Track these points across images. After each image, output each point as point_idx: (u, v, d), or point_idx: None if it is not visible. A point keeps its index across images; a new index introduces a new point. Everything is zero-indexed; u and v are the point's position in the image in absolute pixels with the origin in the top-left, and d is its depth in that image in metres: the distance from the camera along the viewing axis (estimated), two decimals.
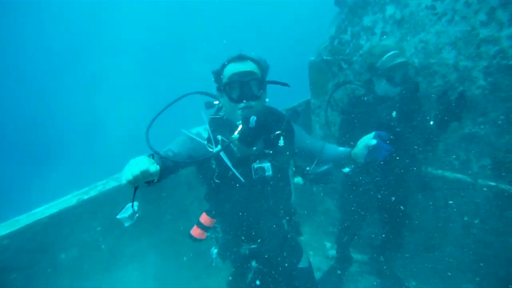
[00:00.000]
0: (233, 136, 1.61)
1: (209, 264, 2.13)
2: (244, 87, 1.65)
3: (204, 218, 1.97)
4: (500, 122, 2.34)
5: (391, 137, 1.69)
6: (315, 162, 1.94)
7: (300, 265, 2.05)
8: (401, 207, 2.58)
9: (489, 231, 2.52)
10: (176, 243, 2.73)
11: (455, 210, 2.68)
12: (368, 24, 2.90)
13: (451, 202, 2.68)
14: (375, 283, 2.95)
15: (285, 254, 2.01)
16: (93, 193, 2.26)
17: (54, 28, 19.25)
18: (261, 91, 1.70)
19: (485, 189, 2.47)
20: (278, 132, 1.79)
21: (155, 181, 1.35)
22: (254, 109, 1.67)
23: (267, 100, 1.81)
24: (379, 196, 2.53)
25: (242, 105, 1.66)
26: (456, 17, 2.37)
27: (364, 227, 2.98)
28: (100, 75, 17.77)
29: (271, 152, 1.78)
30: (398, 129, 2.18)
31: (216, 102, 1.93)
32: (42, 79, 18.08)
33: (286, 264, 1.99)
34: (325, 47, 3.25)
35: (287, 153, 1.87)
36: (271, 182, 1.81)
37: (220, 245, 2.09)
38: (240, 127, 1.61)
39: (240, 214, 1.86)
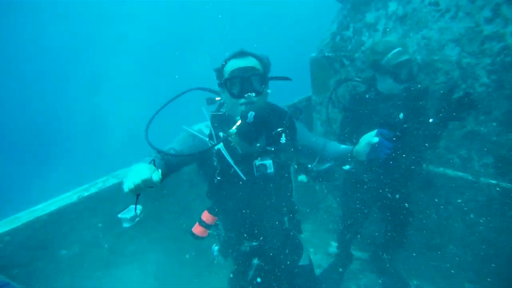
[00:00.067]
0: (230, 130, 1.60)
1: (211, 261, 2.13)
2: (245, 83, 1.64)
3: (206, 216, 1.97)
4: (503, 120, 2.33)
5: (397, 133, 1.67)
6: (317, 159, 1.93)
7: (301, 262, 2.05)
8: (406, 204, 2.57)
9: (492, 229, 2.51)
10: (177, 240, 2.72)
11: (457, 208, 2.67)
12: (370, 20, 2.88)
13: (459, 201, 2.66)
14: (377, 281, 2.95)
15: (287, 251, 2.00)
16: (93, 190, 2.25)
17: (56, 27, 19.21)
18: (263, 87, 1.69)
19: (487, 187, 2.46)
20: (280, 129, 1.78)
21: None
22: (255, 105, 1.66)
23: (269, 91, 1.80)
24: (388, 194, 2.51)
25: (242, 100, 1.66)
26: (459, 14, 2.35)
27: (366, 225, 2.97)
28: (101, 74, 17.77)
29: (273, 149, 1.77)
30: (406, 125, 2.17)
31: (218, 98, 1.92)
32: (43, 78, 18.07)
33: (288, 262, 1.99)
34: (327, 43, 3.23)
35: (289, 150, 1.86)
36: (273, 179, 1.80)
37: (221, 242, 2.09)
38: (238, 122, 1.61)
39: (242, 211, 1.85)
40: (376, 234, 3.08)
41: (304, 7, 21.29)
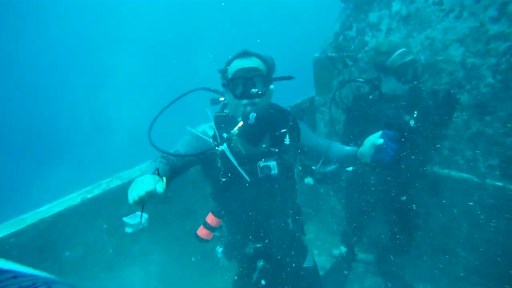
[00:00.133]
0: (232, 131, 1.60)
1: (215, 263, 2.13)
2: (248, 83, 1.63)
3: (210, 219, 1.98)
4: (509, 120, 2.31)
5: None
6: (321, 161, 1.92)
7: (305, 264, 2.05)
8: (413, 205, 2.56)
9: (498, 232, 2.49)
10: (181, 242, 2.72)
11: (462, 210, 2.65)
12: (373, 20, 2.87)
13: (465, 203, 2.64)
14: (382, 284, 2.93)
15: (292, 253, 2.00)
16: (97, 191, 2.25)
17: (60, 26, 19.25)
18: (266, 88, 1.68)
19: (493, 189, 2.44)
20: (283, 130, 1.78)
21: None
22: (258, 106, 1.65)
23: (272, 87, 1.78)
24: (393, 196, 2.50)
25: (245, 101, 1.65)
26: (464, 13, 2.33)
27: (372, 227, 2.96)
28: (105, 73, 17.80)
29: (277, 150, 1.77)
30: (418, 124, 2.16)
31: (222, 99, 1.92)
32: (47, 77, 18.13)
33: (293, 264, 1.98)
34: (330, 43, 3.21)
35: (293, 151, 1.85)
36: (277, 181, 1.80)
37: (225, 244, 2.09)
38: (240, 123, 1.61)
39: (247, 213, 1.85)
40: (383, 236, 3.06)
41: (307, 6, 21.27)
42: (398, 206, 2.53)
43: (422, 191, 2.74)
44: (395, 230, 2.70)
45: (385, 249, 2.91)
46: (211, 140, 1.76)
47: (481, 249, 2.62)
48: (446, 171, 2.67)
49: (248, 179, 1.71)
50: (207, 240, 2.02)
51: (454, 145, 2.62)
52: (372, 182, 2.53)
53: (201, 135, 1.78)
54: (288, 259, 1.98)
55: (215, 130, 1.75)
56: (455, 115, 2.23)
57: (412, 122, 2.20)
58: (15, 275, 0.78)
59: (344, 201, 2.89)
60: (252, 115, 1.59)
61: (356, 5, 2.96)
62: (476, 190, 2.53)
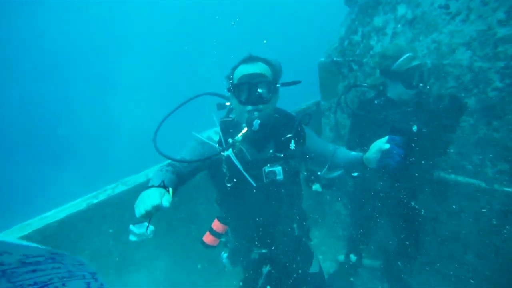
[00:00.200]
0: (236, 137, 1.61)
1: (221, 269, 2.12)
2: (252, 90, 1.63)
3: (216, 225, 1.98)
4: None
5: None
6: (326, 166, 1.91)
7: (311, 270, 2.03)
8: (422, 211, 2.53)
9: (509, 239, 2.44)
10: (186, 248, 2.71)
11: (470, 216, 2.62)
12: (379, 24, 2.85)
13: (472, 208, 2.60)
14: None
15: (298, 258, 1.98)
16: (102, 197, 2.25)
17: (65, 30, 19.50)
18: (270, 94, 1.67)
19: (502, 195, 2.40)
20: (289, 135, 1.77)
21: None
22: (262, 112, 1.65)
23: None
24: (401, 202, 2.47)
25: (249, 107, 1.65)
26: (471, 16, 2.31)
27: (379, 233, 2.92)
28: (112, 77, 17.92)
29: (282, 155, 1.76)
30: (424, 130, 2.15)
31: (228, 104, 1.92)
32: (53, 81, 18.30)
33: (300, 271, 1.96)
34: (335, 48, 3.21)
35: (299, 156, 1.84)
36: (282, 186, 1.79)
37: (230, 249, 2.08)
38: (244, 129, 1.62)
39: (252, 218, 1.84)
40: (390, 242, 3.02)
41: (313, 9, 21.33)
42: (406, 211, 2.50)
43: (429, 196, 2.71)
44: (403, 236, 2.66)
45: (392, 255, 2.87)
46: (217, 145, 1.76)
47: (492, 255, 2.57)
48: (453, 176, 2.64)
49: (254, 184, 1.70)
50: (213, 247, 2.02)
51: (461, 150, 2.58)
52: (378, 187, 2.51)
53: (206, 140, 1.78)
54: (294, 265, 1.96)
55: (221, 135, 1.75)
56: (461, 120, 2.20)
57: (415, 128, 2.18)
58: (34, 269, 0.82)
59: (350, 207, 2.86)
60: (256, 122, 1.59)
61: (361, 9, 2.95)
62: (484, 195, 2.49)
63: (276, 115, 1.85)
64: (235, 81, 1.68)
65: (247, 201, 1.80)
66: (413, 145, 2.16)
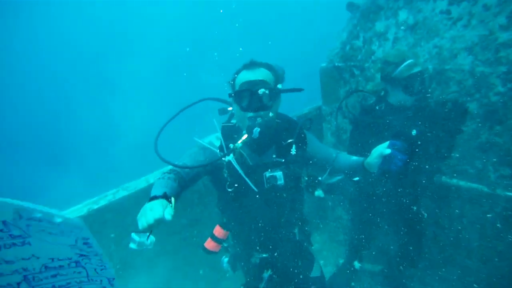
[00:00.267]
0: (236, 144, 1.61)
1: (223, 274, 2.11)
2: (254, 97, 1.62)
3: (218, 231, 1.97)
4: None
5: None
6: (327, 171, 1.90)
7: (312, 274, 2.02)
8: (425, 214, 2.52)
9: (509, 244, 2.43)
10: (187, 253, 2.69)
11: (472, 221, 2.60)
12: (380, 29, 2.86)
13: (474, 213, 2.59)
14: None
15: (300, 263, 1.97)
16: (103, 202, 2.24)
17: (71, 31, 19.60)
18: (271, 102, 1.66)
19: (504, 199, 2.38)
20: (290, 140, 1.77)
21: None
22: (263, 119, 1.64)
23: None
24: (402, 206, 2.46)
25: (250, 114, 1.64)
26: (473, 21, 2.31)
27: (380, 238, 2.91)
28: (116, 79, 17.97)
29: (283, 160, 1.76)
30: (419, 139, 2.14)
31: (230, 109, 1.92)
32: (55, 84, 18.35)
33: (301, 276, 1.95)
34: (337, 53, 3.21)
35: (300, 161, 1.83)
36: (283, 191, 1.78)
37: (231, 254, 2.08)
38: (244, 136, 1.62)
39: (253, 223, 1.83)
40: (392, 247, 3.00)
41: (314, 14, 21.48)
42: (408, 216, 2.49)
43: (431, 201, 2.70)
44: (405, 240, 2.65)
45: (393, 260, 2.85)
46: (218, 150, 1.76)
47: (495, 259, 2.55)
48: (455, 180, 2.64)
49: (255, 189, 1.70)
50: (215, 252, 2.01)
51: (463, 155, 2.58)
52: (379, 192, 2.50)
53: (208, 146, 1.78)
54: (295, 270, 1.95)
55: (222, 140, 1.75)
56: (465, 124, 2.21)
57: (414, 132, 2.17)
58: (55, 274, 0.89)
59: (351, 212, 2.85)
60: (256, 130, 1.58)
61: (363, 14, 2.96)
62: (486, 200, 2.48)
63: (278, 120, 1.85)
64: (237, 88, 1.68)
65: (248, 206, 1.79)
66: (417, 150, 2.16)
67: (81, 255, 0.93)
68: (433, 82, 2.57)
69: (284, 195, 1.80)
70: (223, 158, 1.67)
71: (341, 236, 3.65)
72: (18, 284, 0.85)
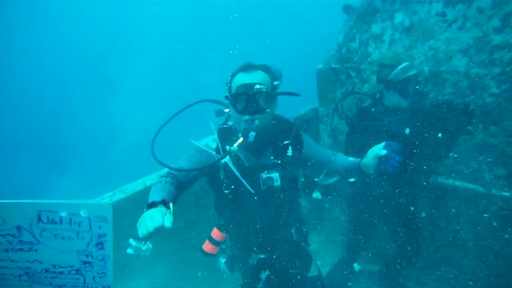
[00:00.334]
0: (231, 148, 1.61)
1: (220, 276, 2.12)
2: (250, 100, 1.62)
3: (215, 233, 1.98)
4: None
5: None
6: (324, 172, 1.92)
7: (310, 274, 2.02)
8: (422, 213, 2.53)
9: (507, 244, 2.44)
10: (184, 255, 2.70)
11: (468, 221, 2.62)
12: (376, 31, 2.88)
13: (470, 213, 2.60)
14: None
15: (297, 263, 1.98)
16: None
17: (71, 31, 19.59)
18: (268, 105, 1.67)
19: (499, 199, 2.40)
20: (286, 141, 1.78)
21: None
22: (259, 122, 1.65)
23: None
24: (399, 207, 2.48)
25: (246, 117, 1.65)
26: (467, 24, 2.33)
27: (378, 238, 2.92)
28: (115, 80, 17.97)
29: (280, 161, 1.77)
30: (414, 140, 2.15)
31: (227, 110, 1.92)
32: (55, 84, 18.35)
33: (299, 277, 1.96)
34: (333, 55, 3.23)
35: (296, 162, 1.84)
36: (280, 192, 1.79)
37: (228, 255, 2.09)
38: (240, 139, 1.63)
39: (251, 224, 1.85)
40: (388, 247, 3.02)
41: (311, 16, 21.46)
42: (405, 217, 2.51)
43: (427, 201, 2.71)
44: (403, 240, 2.67)
45: (391, 260, 2.87)
46: (214, 153, 1.77)
47: (490, 257, 2.57)
48: (450, 181, 2.65)
49: (252, 191, 1.71)
50: (213, 255, 2.02)
51: (458, 155, 2.59)
52: (376, 193, 2.51)
53: (204, 148, 1.79)
54: (293, 270, 1.96)
55: (218, 142, 1.76)
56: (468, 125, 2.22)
57: (407, 131, 2.18)
58: (55, 277, 0.94)
59: (349, 212, 2.87)
60: (252, 134, 1.60)
61: (359, 17, 2.97)
62: (481, 200, 2.50)
63: (274, 122, 1.86)
64: (233, 90, 1.68)
65: (245, 207, 1.80)
66: (415, 150, 2.17)
67: (85, 262, 0.96)
68: (429, 83, 2.59)
69: (281, 196, 1.81)
70: (217, 159, 1.68)
71: (339, 237, 3.67)
72: (20, 276, 0.92)
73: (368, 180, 2.45)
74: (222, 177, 1.76)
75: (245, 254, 1.97)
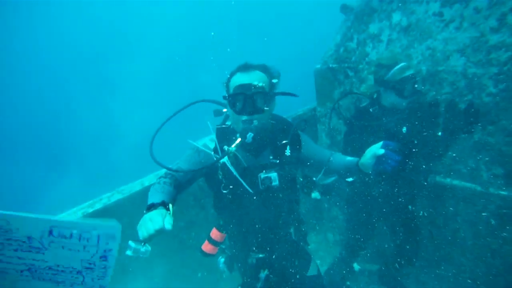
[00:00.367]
0: (230, 148, 1.61)
1: (220, 276, 2.12)
2: (248, 100, 1.62)
3: (215, 234, 1.98)
4: None
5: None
6: (322, 171, 1.92)
7: (309, 273, 2.03)
8: (421, 212, 2.54)
9: (505, 243, 2.45)
10: (183, 255, 2.71)
11: (466, 220, 2.63)
12: (374, 31, 2.88)
13: (468, 212, 2.61)
14: None
15: (296, 263, 1.99)
16: (98, 206, 2.24)
17: (71, 31, 19.58)
18: (266, 105, 1.66)
19: (497, 198, 2.41)
20: (284, 141, 1.78)
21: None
22: (257, 122, 1.65)
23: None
24: (397, 206, 2.49)
25: (244, 117, 1.65)
26: (464, 24, 2.34)
27: (377, 237, 2.93)
28: (115, 80, 17.97)
29: (278, 161, 1.77)
30: (412, 139, 2.16)
31: (225, 110, 1.92)
32: (55, 85, 18.34)
33: (298, 276, 1.97)
34: (331, 55, 3.23)
35: (294, 162, 1.85)
36: (278, 192, 1.80)
37: (227, 254, 2.09)
38: (238, 140, 1.62)
39: (250, 224, 1.85)
40: (387, 246, 3.03)
41: (309, 16, 21.46)
42: (404, 216, 2.52)
43: (426, 200, 2.72)
44: (401, 239, 2.68)
45: (390, 259, 2.88)
46: (213, 153, 1.77)
47: (484, 258, 2.59)
48: (448, 180, 2.66)
49: (250, 191, 1.72)
50: (212, 255, 2.03)
51: (456, 154, 2.60)
52: (375, 193, 2.52)
53: (202, 148, 1.79)
54: (292, 269, 1.97)
55: (216, 143, 1.76)
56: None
57: (404, 129, 2.19)
58: (55, 273, 0.98)
59: (347, 212, 2.87)
60: (250, 135, 1.60)
61: (356, 17, 2.98)
62: (479, 199, 2.51)
63: (273, 121, 1.86)
64: (231, 91, 1.68)
65: (244, 207, 1.80)
66: (414, 150, 2.18)
67: (87, 268, 0.99)
68: (426, 83, 2.60)
69: (280, 195, 1.82)
70: (215, 159, 1.69)
71: (338, 236, 3.68)
72: (22, 271, 0.96)
73: (367, 179, 2.46)
74: (220, 177, 1.76)
75: (244, 253, 1.97)
